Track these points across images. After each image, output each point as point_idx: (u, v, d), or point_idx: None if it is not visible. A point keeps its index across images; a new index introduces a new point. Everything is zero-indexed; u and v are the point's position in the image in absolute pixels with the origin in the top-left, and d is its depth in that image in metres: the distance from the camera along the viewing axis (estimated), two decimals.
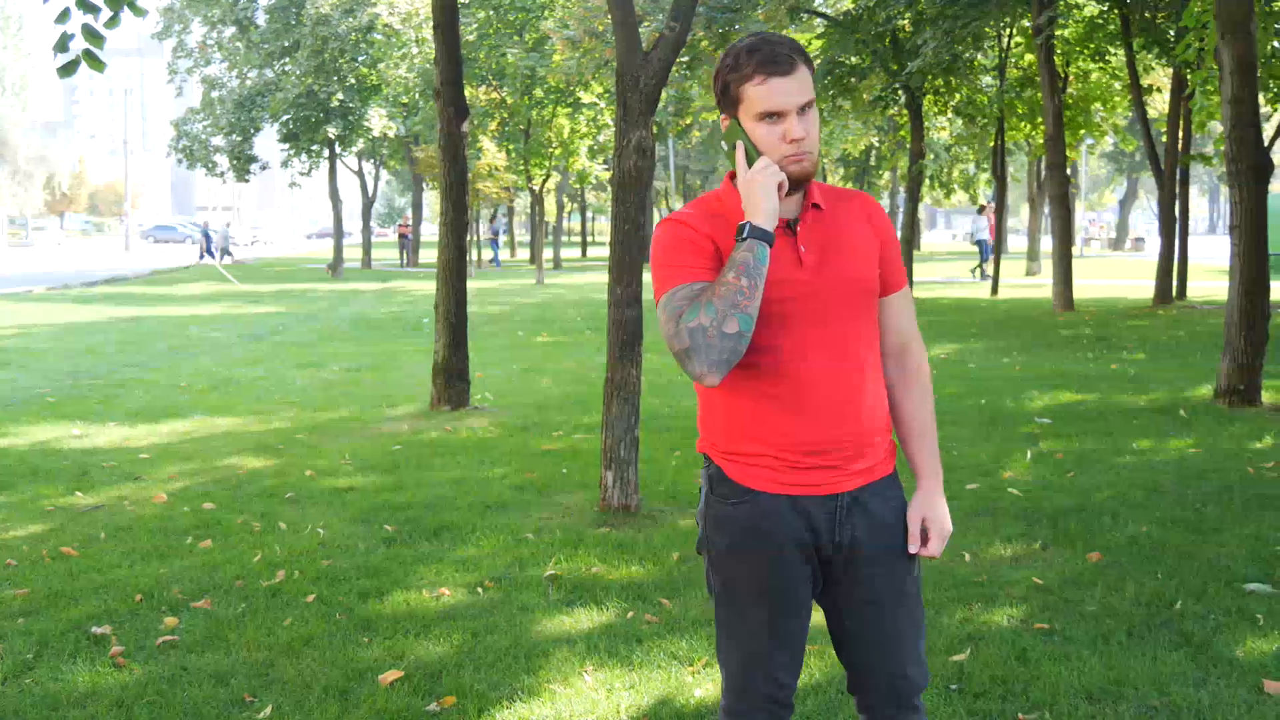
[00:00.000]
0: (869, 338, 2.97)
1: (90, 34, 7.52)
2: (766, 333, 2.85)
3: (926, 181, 41.08)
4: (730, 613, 3.05)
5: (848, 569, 2.98)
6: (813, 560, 2.97)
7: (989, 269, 34.19)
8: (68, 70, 7.66)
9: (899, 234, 40.89)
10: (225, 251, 56.14)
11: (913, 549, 3.00)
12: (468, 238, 11.91)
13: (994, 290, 29.04)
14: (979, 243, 37.10)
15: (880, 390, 3.00)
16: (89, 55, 7.62)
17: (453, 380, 11.65)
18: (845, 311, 2.91)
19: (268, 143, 53.29)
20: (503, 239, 58.49)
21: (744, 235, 2.80)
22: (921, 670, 3.06)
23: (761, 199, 2.82)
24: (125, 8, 7.69)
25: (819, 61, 29.62)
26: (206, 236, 57.20)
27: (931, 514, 3.01)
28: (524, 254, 66.21)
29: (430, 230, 72.21)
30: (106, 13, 7.63)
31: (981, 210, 37.49)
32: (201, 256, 57.31)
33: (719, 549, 3.01)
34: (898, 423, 3.08)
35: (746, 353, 2.82)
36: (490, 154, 38.77)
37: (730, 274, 2.77)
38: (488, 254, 54.42)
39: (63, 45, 7.58)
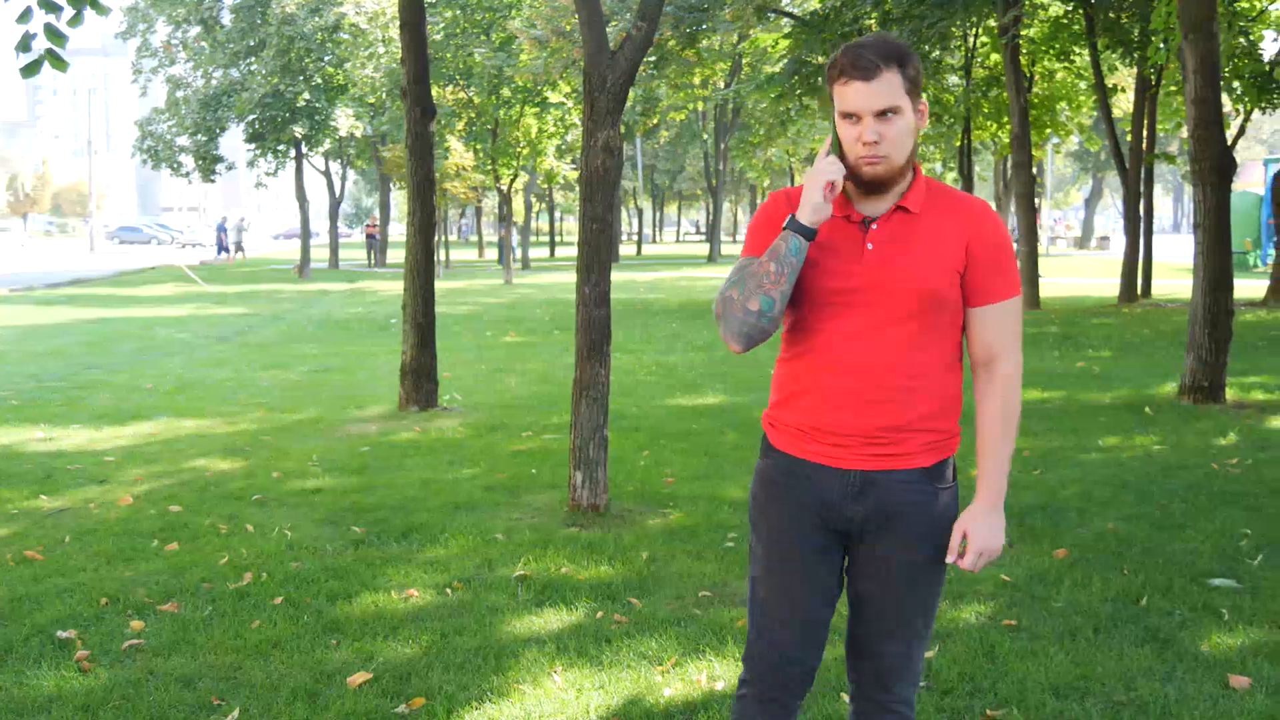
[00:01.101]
0: (929, 341, 3.05)
1: (53, 33, 7.46)
2: (820, 317, 3.09)
3: None
4: (753, 570, 3.29)
5: (865, 547, 3.16)
6: (831, 533, 3.16)
7: None
8: (31, 70, 7.61)
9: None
10: (239, 246, 55.93)
11: (949, 559, 3.09)
12: (435, 238, 11.87)
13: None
14: None
15: (934, 391, 3.07)
16: (52, 55, 7.56)
17: (421, 381, 11.62)
18: (899, 312, 3.02)
19: (233, 143, 53.05)
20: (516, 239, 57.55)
21: (786, 225, 3.03)
22: (908, 669, 3.20)
23: (808, 194, 3.01)
24: (88, 6, 7.64)
25: (784, 61, 29.72)
26: (222, 231, 57.06)
27: (973, 528, 3.06)
28: (491, 254, 66.09)
29: (398, 230, 72.06)
30: (69, 12, 7.57)
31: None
32: (220, 252, 57.18)
33: (753, 504, 3.29)
34: (976, 432, 3.15)
35: (804, 333, 3.12)
36: (458, 154, 38.71)
37: (766, 258, 3.03)
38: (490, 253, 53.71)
39: (25, 45, 7.52)
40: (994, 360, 3.10)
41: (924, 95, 3.10)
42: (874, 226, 3.05)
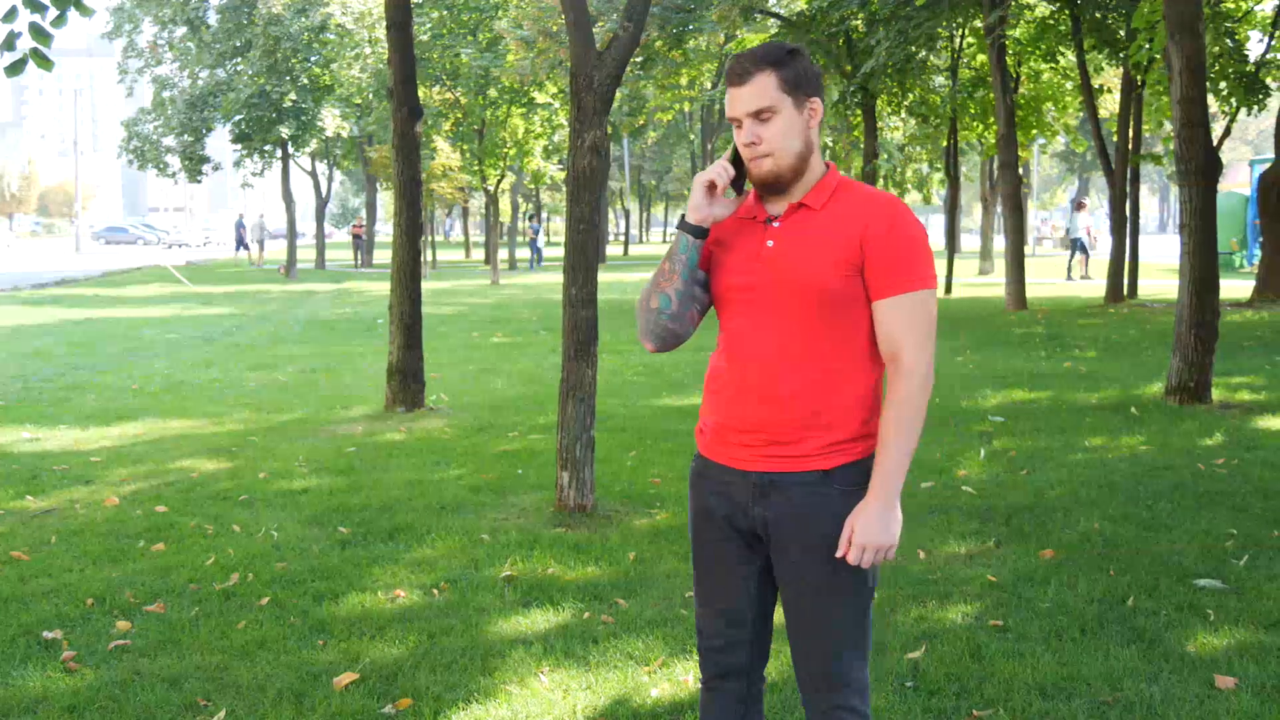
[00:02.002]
0: (828, 336, 3.06)
1: (38, 32, 7.44)
2: (726, 315, 3.21)
3: (880, 181, 41.25)
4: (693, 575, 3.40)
5: (776, 552, 3.17)
6: (742, 532, 3.21)
7: (1088, 268, 33.89)
8: (15, 69, 7.59)
9: None
10: (260, 243, 55.86)
11: (838, 553, 3.04)
12: (423, 238, 11.86)
13: (947, 290, 29.16)
14: (1075, 241, 36.01)
15: (836, 385, 3.07)
16: (36, 54, 7.54)
17: (407, 381, 11.61)
18: (796, 308, 3.06)
19: (220, 143, 52.96)
20: (543, 240, 56.12)
21: (677, 225, 3.18)
22: (840, 672, 3.16)
23: (691, 194, 3.18)
24: (72, 7, 7.62)
25: None
26: (241, 228, 57.01)
27: (857, 522, 3.01)
28: (479, 254, 66.03)
29: (385, 230, 71.94)
30: (54, 11, 7.55)
31: (1080, 207, 36.16)
32: (238, 249, 57.12)
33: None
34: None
35: (719, 333, 3.22)
36: (444, 154, 38.66)
37: (664, 257, 3.21)
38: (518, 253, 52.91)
39: (9, 44, 7.50)
40: (895, 355, 3.05)
41: (818, 95, 3.13)
42: (775, 225, 3.14)
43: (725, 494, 3.20)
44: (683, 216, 3.17)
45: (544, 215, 62.75)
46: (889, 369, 3.07)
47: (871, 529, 3.00)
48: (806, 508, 3.08)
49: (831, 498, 3.08)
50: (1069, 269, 35.48)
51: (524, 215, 56.11)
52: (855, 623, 3.15)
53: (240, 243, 57.38)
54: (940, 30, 26.47)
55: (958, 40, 28.28)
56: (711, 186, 3.13)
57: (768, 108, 3.05)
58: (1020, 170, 26.56)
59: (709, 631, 3.33)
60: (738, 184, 3.21)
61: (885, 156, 37.85)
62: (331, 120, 42.93)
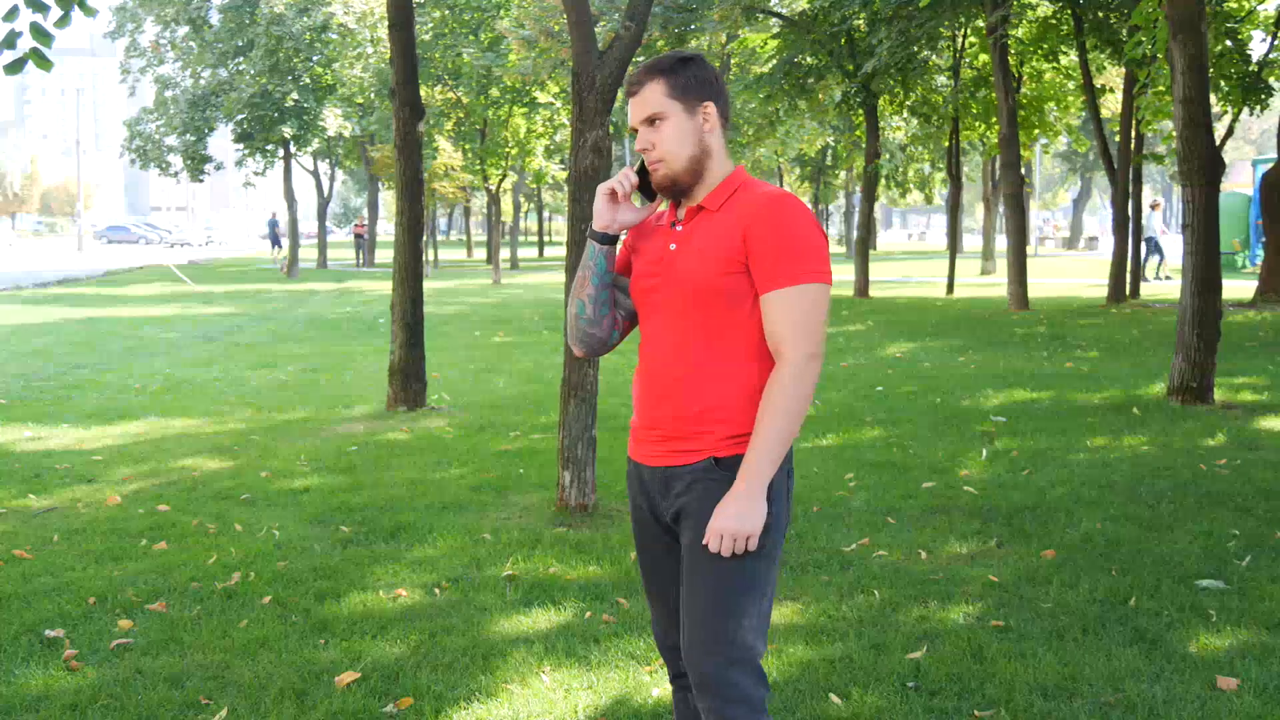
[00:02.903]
0: (720, 334, 3.12)
1: (38, 32, 7.44)
2: (641, 318, 3.31)
3: (882, 181, 41.22)
4: None
5: (681, 542, 3.20)
6: (665, 527, 3.28)
7: (1163, 270, 33.76)
8: (14, 68, 7.58)
9: (854, 234, 41.08)
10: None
11: (704, 540, 3.05)
12: (424, 238, 11.86)
13: (949, 289, 29.16)
14: (1149, 241, 35.65)
15: (729, 381, 3.11)
16: (36, 54, 7.53)
17: (409, 381, 11.61)
18: (690, 308, 3.13)
19: (222, 142, 52.95)
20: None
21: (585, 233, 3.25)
22: (716, 661, 3.04)
23: (595, 202, 3.29)
24: (76, 7, 7.62)
25: (774, 62, 29.73)
26: (274, 226, 57.06)
27: (720, 508, 3.02)
28: (480, 254, 66.01)
29: (387, 229, 71.97)
30: (56, 11, 7.55)
31: (1154, 207, 35.83)
32: (274, 247, 57.13)
33: None
34: None
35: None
36: (446, 154, 38.67)
37: (580, 265, 3.33)
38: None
39: (10, 43, 7.50)
40: (778, 349, 3.05)
41: (713, 99, 3.18)
42: (678, 228, 3.22)
43: (646, 492, 3.29)
44: (589, 225, 3.27)
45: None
46: (774, 360, 3.08)
47: (728, 516, 2.99)
48: (699, 499, 3.11)
49: (717, 484, 3.09)
50: (1143, 270, 35.45)
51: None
52: (748, 617, 3.07)
53: (275, 241, 57.35)
54: (942, 30, 26.48)
55: (960, 40, 28.28)
56: (612, 194, 3.24)
57: (657, 114, 3.15)
58: (1022, 170, 26.53)
59: (660, 630, 3.40)
60: (650, 191, 3.26)
61: (887, 156, 37.89)
62: (333, 120, 42.95)
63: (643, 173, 3.24)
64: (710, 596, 3.07)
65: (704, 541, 3.03)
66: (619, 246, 3.36)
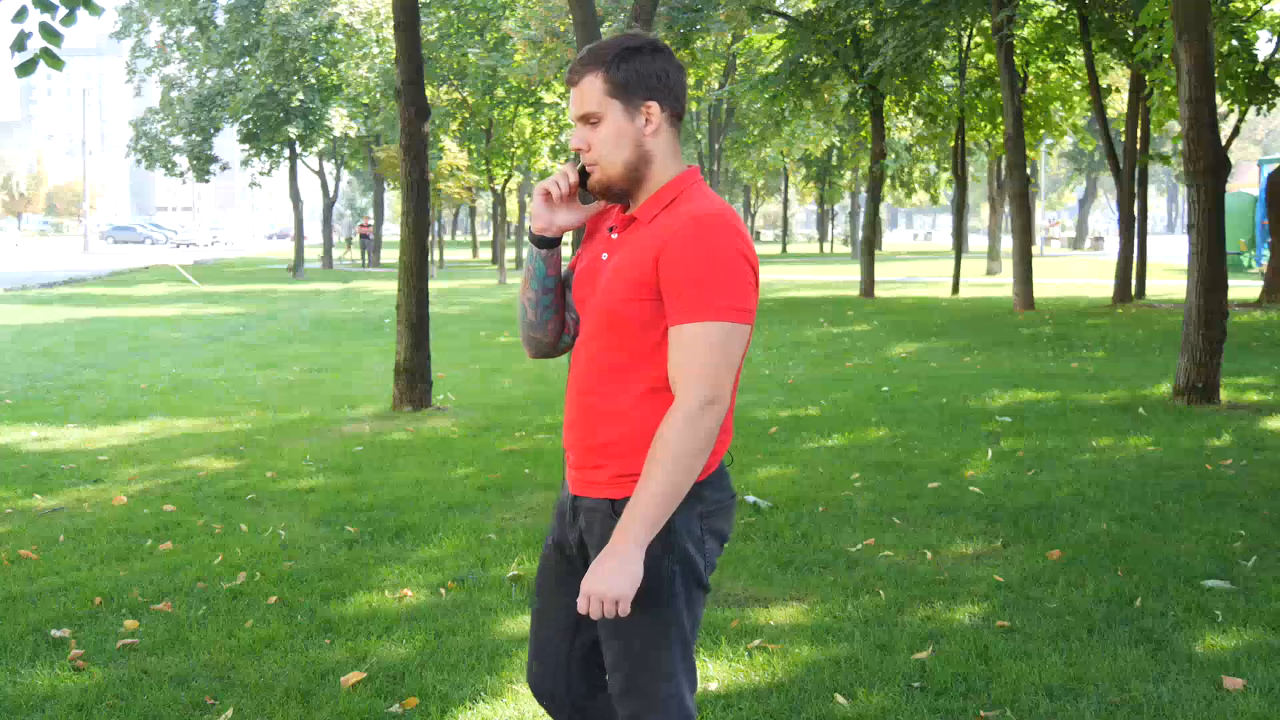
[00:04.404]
0: (624, 364, 2.85)
1: (48, 32, 7.46)
2: (580, 328, 3.03)
3: (887, 181, 41.22)
4: None
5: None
6: (565, 556, 3.05)
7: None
8: (26, 69, 7.60)
9: (859, 234, 41.02)
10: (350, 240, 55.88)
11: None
12: (429, 238, 11.87)
13: (954, 290, 29.15)
14: None
15: (626, 415, 2.86)
16: (47, 54, 7.55)
17: (414, 381, 11.61)
18: (601, 329, 2.87)
19: (228, 143, 53.05)
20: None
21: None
22: (637, 709, 2.90)
23: (533, 202, 2.99)
24: (82, 6, 7.63)
25: (780, 62, 29.75)
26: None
27: (591, 567, 2.74)
28: (486, 254, 66.02)
29: (392, 230, 72.03)
30: (63, 10, 7.57)
31: None
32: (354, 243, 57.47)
33: None
34: None
35: None
36: (452, 154, 38.72)
37: (523, 267, 3.06)
38: None
39: (20, 44, 7.52)
40: (675, 390, 2.75)
41: (657, 98, 2.87)
42: (614, 236, 2.94)
43: (560, 511, 3.07)
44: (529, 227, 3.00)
45: None
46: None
47: (595, 577, 2.70)
48: (597, 538, 2.88)
49: (611, 529, 2.82)
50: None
51: None
52: (655, 672, 2.88)
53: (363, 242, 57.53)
54: (948, 30, 26.49)
55: (965, 40, 28.28)
56: (548, 195, 2.96)
57: (593, 113, 2.85)
58: (1028, 170, 26.53)
59: (532, 659, 3.16)
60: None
61: (893, 156, 37.87)
62: (339, 120, 43.01)
63: (584, 169, 2.96)
64: (626, 655, 2.88)
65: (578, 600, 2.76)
66: (560, 248, 3.07)
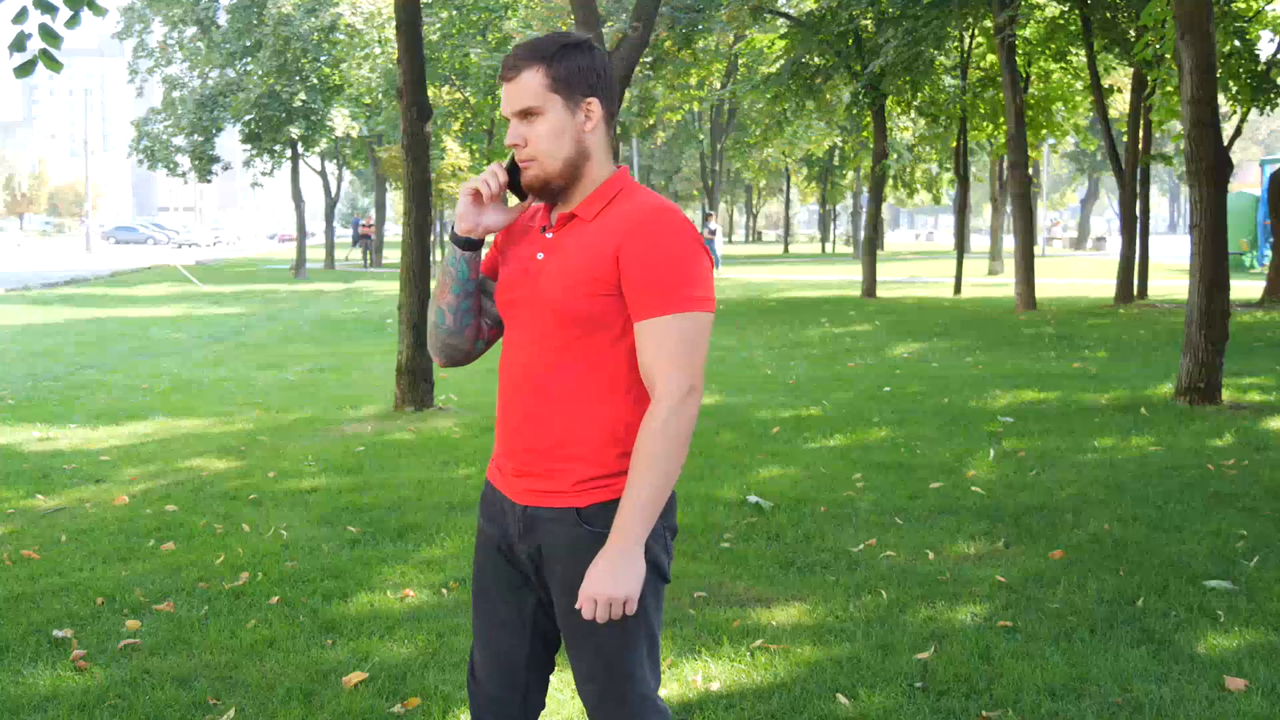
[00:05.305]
0: (581, 361, 2.83)
1: (47, 34, 7.46)
2: (505, 330, 2.99)
3: (889, 181, 41.21)
4: None
5: (547, 589, 2.95)
6: (512, 565, 3.00)
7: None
8: (24, 70, 7.60)
9: (861, 234, 41.03)
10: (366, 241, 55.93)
11: (576, 604, 2.78)
12: (431, 238, 11.87)
13: (956, 290, 29.15)
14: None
15: (587, 416, 2.84)
16: (46, 55, 7.56)
17: (417, 381, 11.61)
18: (551, 329, 2.85)
19: (230, 143, 53.07)
20: (722, 243, 51.69)
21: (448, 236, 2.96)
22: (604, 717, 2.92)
23: (458, 202, 2.94)
24: (85, 7, 7.63)
25: (782, 62, 29.76)
26: (357, 225, 57.32)
27: (592, 570, 2.74)
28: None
29: (394, 231, 72.03)
30: (65, 13, 7.57)
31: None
32: (355, 244, 57.49)
33: None
34: None
35: None
36: (454, 154, 38.71)
37: (440, 269, 3.00)
38: None
39: (19, 45, 7.52)
40: (652, 384, 2.75)
41: (598, 94, 2.87)
42: (548, 235, 2.91)
43: (501, 522, 2.99)
44: (452, 228, 2.94)
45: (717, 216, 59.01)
46: (650, 396, 2.79)
47: (601, 579, 2.71)
48: (561, 549, 2.86)
49: (584, 540, 2.83)
50: None
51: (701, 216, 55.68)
52: (629, 676, 2.89)
53: (357, 240, 57.54)
54: (950, 30, 26.50)
55: (967, 40, 28.28)
56: (476, 195, 2.92)
57: (533, 107, 2.82)
58: (1030, 170, 26.53)
59: (482, 674, 3.09)
60: (520, 189, 2.96)
61: (895, 156, 37.88)
62: (341, 120, 43.00)
63: (513, 169, 2.91)
64: (600, 662, 2.88)
65: (577, 606, 2.75)
66: (484, 250, 3.04)
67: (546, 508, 2.87)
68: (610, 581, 2.71)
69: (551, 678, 3.11)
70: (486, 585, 3.05)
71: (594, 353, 2.82)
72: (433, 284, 11.60)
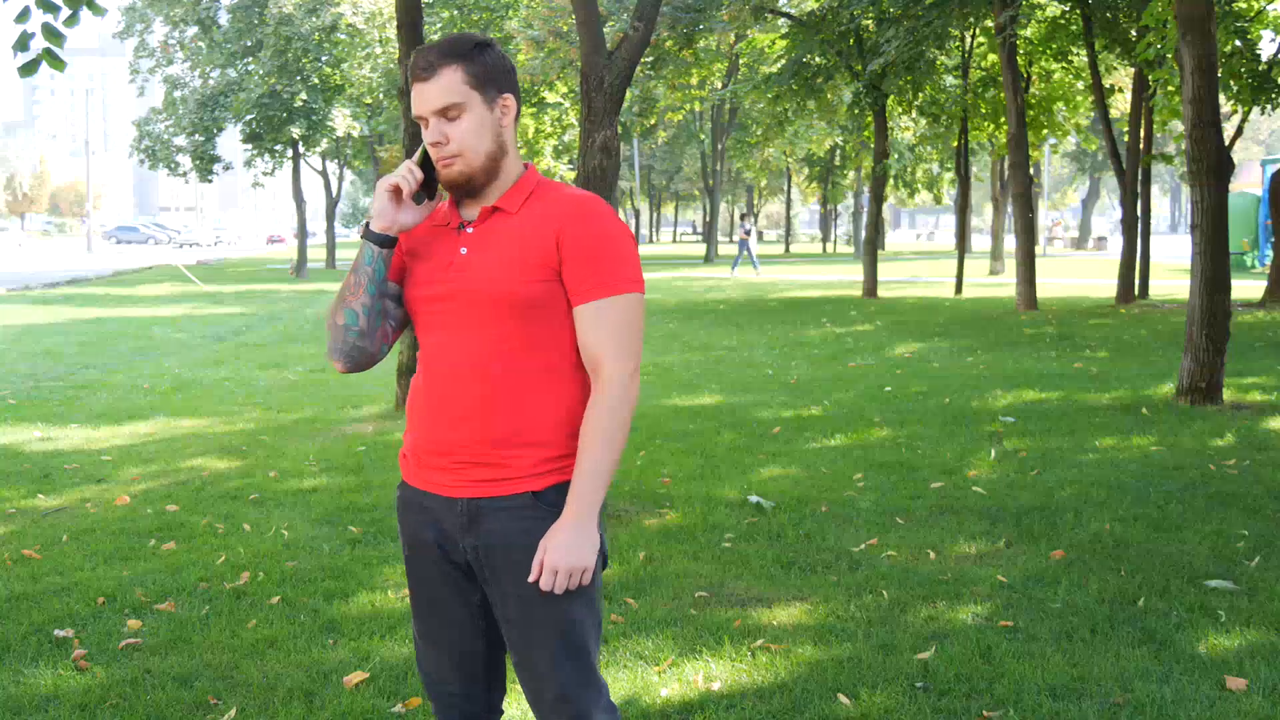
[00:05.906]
0: (528, 347, 2.89)
1: (50, 33, 7.45)
2: (422, 329, 3.01)
3: (890, 181, 41.19)
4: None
5: (489, 584, 2.97)
6: (457, 565, 3.01)
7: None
8: (28, 70, 7.60)
9: (862, 234, 40.96)
10: None
11: (531, 577, 2.83)
12: None
13: (957, 290, 29.15)
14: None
15: (540, 400, 2.90)
16: (49, 54, 7.55)
17: None
18: (483, 319, 2.89)
19: (231, 143, 52.99)
20: (756, 246, 49.40)
21: (360, 234, 2.99)
22: (569, 709, 2.94)
23: (374, 200, 2.96)
24: (84, 6, 7.63)
25: (783, 62, 29.75)
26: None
27: (549, 542, 2.81)
28: None
29: None
30: (66, 11, 7.57)
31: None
32: None
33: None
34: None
35: (420, 349, 3.01)
36: None
37: (350, 270, 2.99)
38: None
39: (23, 44, 7.52)
40: (595, 365, 2.86)
41: (511, 90, 2.95)
42: (469, 230, 2.95)
43: (434, 523, 2.99)
44: (366, 224, 2.96)
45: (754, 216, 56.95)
46: (591, 379, 2.90)
47: (560, 550, 2.79)
48: (517, 534, 2.89)
49: (543, 521, 2.88)
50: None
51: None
52: (580, 662, 2.94)
53: None
54: (951, 29, 26.48)
55: (968, 40, 28.27)
56: (396, 191, 2.94)
57: (455, 105, 2.86)
58: (1031, 170, 26.54)
59: (440, 675, 3.13)
60: (431, 188, 3.00)
61: (896, 156, 37.85)
62: (342, 120, 42.96)
63: (425, 167, 2.96)
64: (556, 647, 2.92)
65: (532, 579, 2.81)
66: (394, 249, 3.03)
67: (494, 497, 2.91)
68: (568, 552, 2.79)
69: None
70: (433, 595, 3.07)
71: (537, 338, 2.89)
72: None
